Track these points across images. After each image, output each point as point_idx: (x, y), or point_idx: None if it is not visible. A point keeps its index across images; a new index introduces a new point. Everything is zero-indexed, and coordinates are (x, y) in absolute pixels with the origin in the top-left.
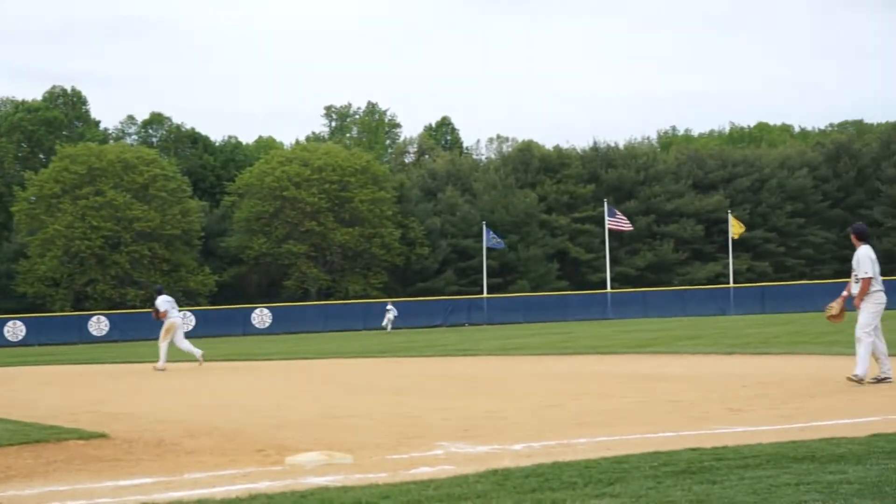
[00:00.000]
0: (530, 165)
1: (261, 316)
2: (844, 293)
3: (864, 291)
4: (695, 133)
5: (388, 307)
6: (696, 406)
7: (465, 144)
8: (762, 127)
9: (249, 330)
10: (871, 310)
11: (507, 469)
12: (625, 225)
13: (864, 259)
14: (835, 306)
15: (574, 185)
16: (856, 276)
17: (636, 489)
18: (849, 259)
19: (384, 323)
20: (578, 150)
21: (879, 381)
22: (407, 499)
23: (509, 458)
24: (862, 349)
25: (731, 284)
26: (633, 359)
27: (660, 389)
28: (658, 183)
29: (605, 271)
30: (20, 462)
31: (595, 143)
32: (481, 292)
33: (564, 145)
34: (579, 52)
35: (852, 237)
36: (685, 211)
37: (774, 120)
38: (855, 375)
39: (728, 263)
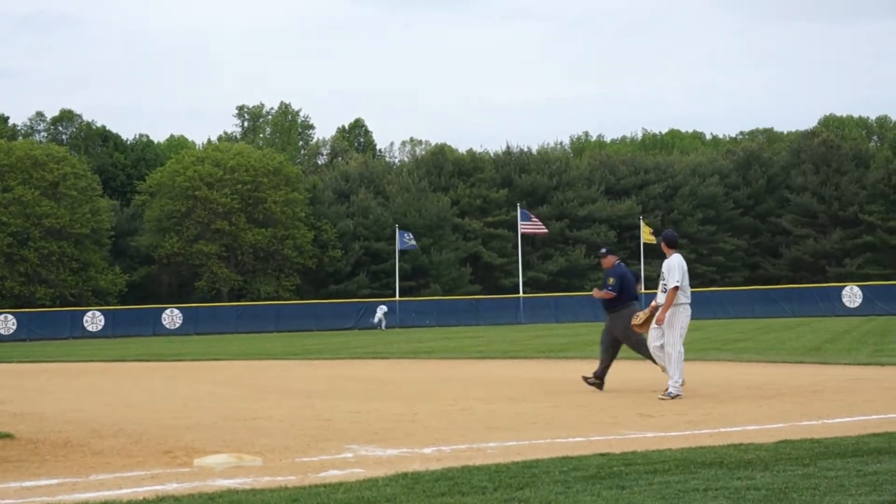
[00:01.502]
0: (444, 169)
1: (171, 316)
2: (653, 303)
3: (671, 302)
4: (607, 139)
5: (380, 307)
6: (606, 411)
7: (378, 147)
8: (674, 134)
9: (160, 330)
10: (681, 323)
11: (417, 472)
12: (540, 228)
13: (675, 268)
14: (641, 315)
15: (487, 190)
16: (664, 285)
17: (546, 494)
18: (759, 266)
19: (376, 320)
20: (492, 155)
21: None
22: (316, 502)
23: (419, 461)
24: (674, 363)
25: (643, 290)
26: (544, 363)
27: (570, 394)
28: (571, 188)
29: (517, 276)
30: None
31: (508, 147)
32: (394, 295)
33: (478, 149)
34: (493, 55)
35: (662, 245)
36: (597, 216)
37: (686, 127)
38: (668, 393)
39: (639, 269)
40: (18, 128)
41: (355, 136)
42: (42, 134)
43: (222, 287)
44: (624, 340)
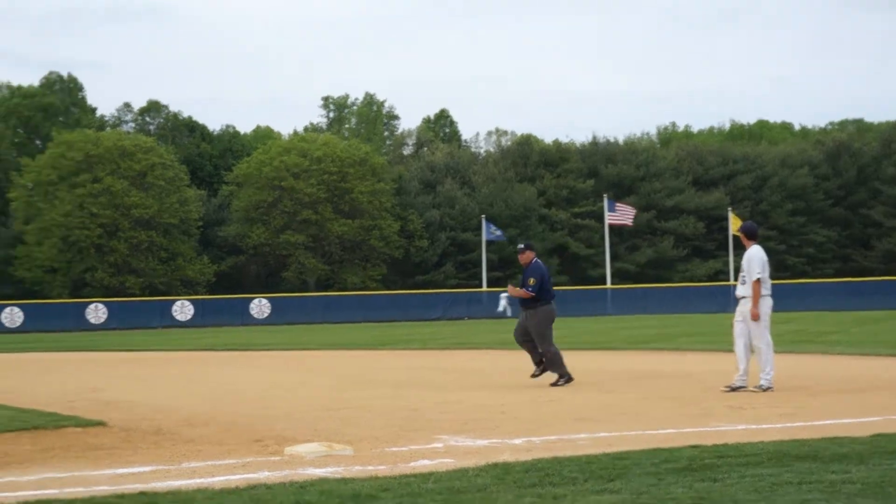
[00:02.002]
0: (529, 159)
1: (259, 306)
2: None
3: (758, 295)
4: (695, 129)
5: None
6: (696, 403)
7: (463, 137)
8: (762, 124)
9: (248, 320)
10: (765, 314)
11: (507, 463)
12: (627, 216)
13: (755, 260)
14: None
15: (574, 180)
16: (744, 277)
17: (637, 486)
18: (850, 258)
19: (501, 308)
20: (578, 145)
21: (733, 389)
22: (407, 491)
23: (509, 452)
24: (764, 356)
25: (732, 282)
26: (633, 355)
27: (660, 386)
28: (658, 179)
29: (604, 267)
30: (18, 448)
31: (595, 137)
32: (480, 286)
33: (564, 140)
34: (580, 46)
35: (742, 237)
36: (685, 207)
37: (775, 117)
38: (760, 386)
39: (728, 261)
40: (106, 119)
41: (440, 126)
42: (129, 125)
43: (309, 277)
44: (536, 338)
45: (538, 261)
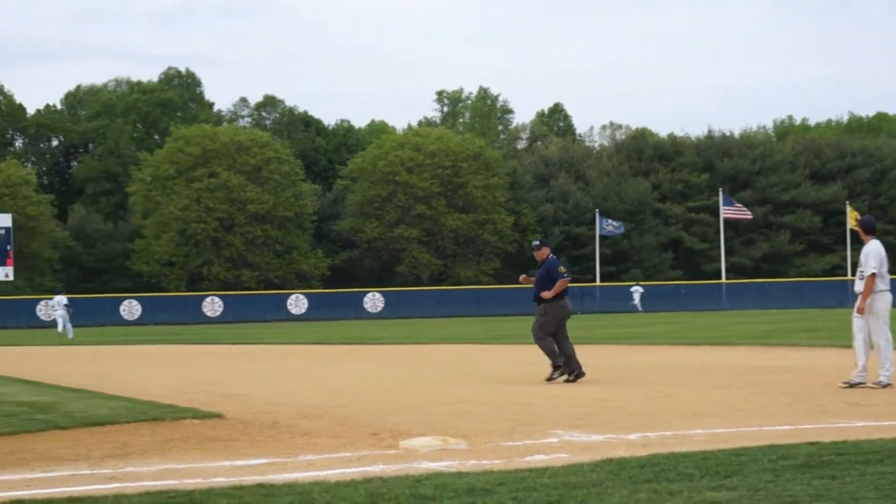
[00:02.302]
0: (644, 153)
1: (373, 300)
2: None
3: (869, 290)
4: (812, 122)
5: (634, 287)
6: (813, 399)
7: (577, 131)
8: (882, 117)
9: (362, 314)
10: (884, 309)
11: (622, 458)
12: (743, 213)
13: (871, 254)
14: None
15: (688, 174)
16: (861, 272)
17: (754, 482)
18: None
19: (635, 303)
20: (693, 139)
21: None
22: (522, 486)
23: (624, 447)
24: (883, 352)
25: (850, 277)
26: (748, 350)
27: (776, 382)
28: (774, 173)
29: (719, 261)
30: (138, 439)
31: (710, 131)
32: (594, 280)
33: (679, 133)
34: (694, 39)
35: (860, 232)
36: (802, 201)
37: (894, 110)
38: (879, 382)
39: (846, 255)
40: (223, 114)
41: (554, 120)
42: (245, 119)
43: (422, 272)
44: (537, 329)
45: (553, 256)
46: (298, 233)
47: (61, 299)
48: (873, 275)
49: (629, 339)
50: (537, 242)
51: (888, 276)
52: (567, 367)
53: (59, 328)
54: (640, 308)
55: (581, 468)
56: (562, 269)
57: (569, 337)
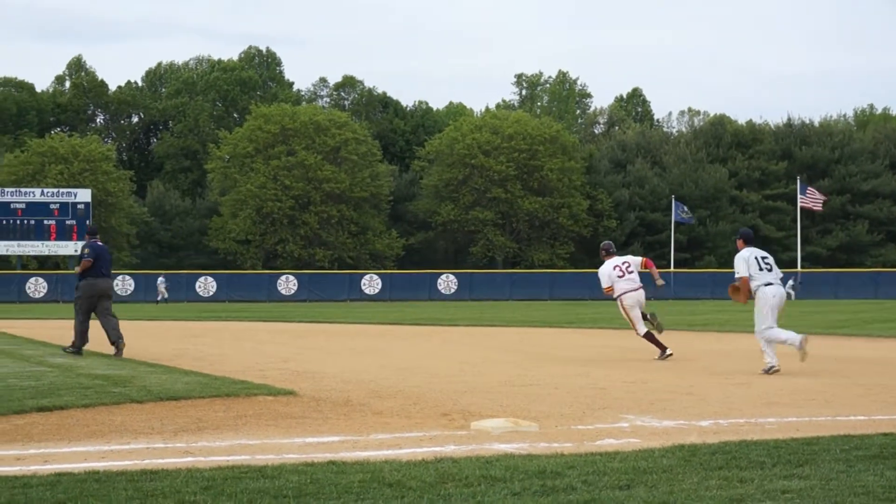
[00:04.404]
0: (722, 140)
1: (447, 282)
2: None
3: (744, 292)
4: (893, 112)
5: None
6: (889, 391)
7: (655, 117)
8: None
9: (435, 295)
10: (764, 305)
11: (693, 445)
12: (817, 202)
13: (736, 261)
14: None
15: (766, 162)
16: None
17: (826, 472)
18: None
19: (790, 292)
20: (772, 126)
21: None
22: (592, 469)
23: (696, 433)
24: (763, 343)
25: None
26: (823, 340)
27: (851, 372)
28: (853, 162)
29: (795, 250)
30: (211, 415)
31: (789, 119)
32: (668, 266)
33: (757, 120)
34: (775, 26)
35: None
36: (882, 192)
37: None
38: (768, 368)
39: None
40: (302, 93)
41: (633, 105)
42: (325, 99)
43: (497, 254)
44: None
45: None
46: (374, 213)
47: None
48: (743, 278)
49: (702, 325)
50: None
51: (763, 271)
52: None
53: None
54: (793, 297)
55: (652, 453)
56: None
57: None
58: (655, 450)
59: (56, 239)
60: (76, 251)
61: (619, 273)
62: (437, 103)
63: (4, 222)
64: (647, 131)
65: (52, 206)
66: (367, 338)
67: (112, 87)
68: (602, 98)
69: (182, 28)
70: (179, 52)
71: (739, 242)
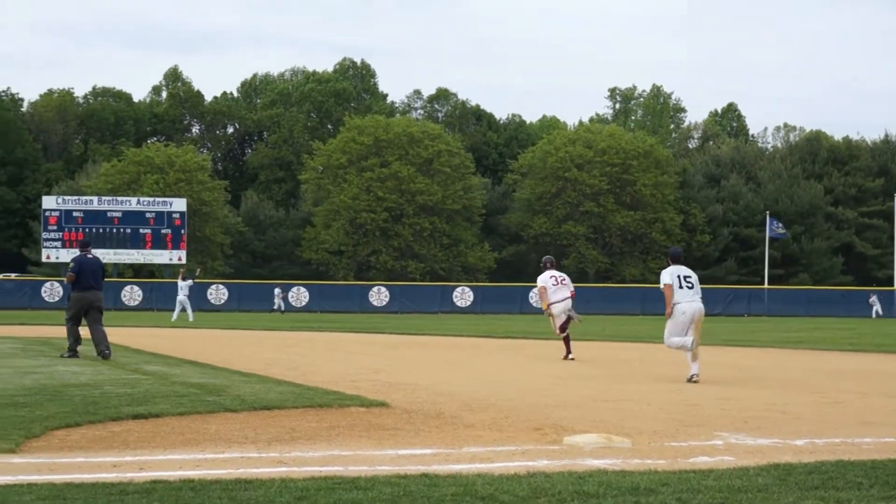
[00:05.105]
0: (818, 156)
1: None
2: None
3: (667, 304)
4: None
5: (872, 298)
6: None
7: (750, 132)
8: None
9: (527, 308)
10: (672, 321)
11: (789, 464)
12: None
13: (662, 275)
14: None
15: (862, 178)
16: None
17: None
18: None
19: (876, 308)
20: (868, 142)
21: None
22: (686, 487)
23: (791, 453)
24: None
25: None
26: None
27: None
28: None
29: (891, 268)
30: (304, 425)
31: (886, 135)
32: (762, 283)
33: (854, 136)
34: (873, 39)
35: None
36: None
37: None
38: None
39: None
40: (396, 105)
41: (728, 120)
42: (418, 111)
43: (588, 268)
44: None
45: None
46: (466, 225)
47: (188, 283)
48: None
49: (796, 343)
50: None
51: (682, 292)
52: None
53: (175, 315)
54: (880, 312)
55: (747, 472)
56: None
57: None
58: (750, 468)
59: (151, 248)
60: (171, 260)
61: (554, 283)
62: (531, 116)
63: (101, 230)
64: (741, 146)
65: (147, 215)
66: (458, 350)
67: (208, 97)
68: (696, 113)
69: (277, 39)
70: (274, 63)
71: (669, 260)
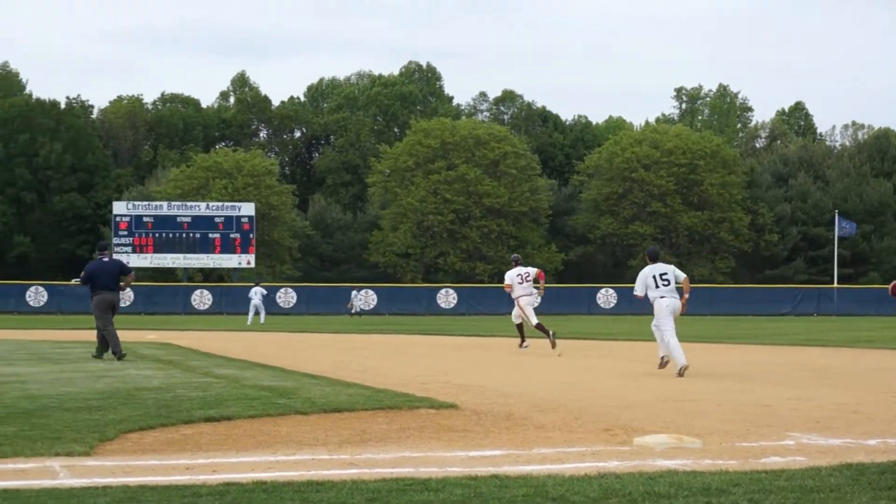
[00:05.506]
0: (887, 154)
1: (605, 295)
2: None
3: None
4: None
5: None
6: None
7: (818, 130)
8: None
9: (594, 309)
10: (657, 316)
11: (861, 464)
12: None
13: (638, 277)
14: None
15: None
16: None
17: None
18: None
19: None
20: None
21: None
22: (758, 488)
23: (863, 452)
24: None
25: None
26: None
27: None
28: None
29: None
30: (375, 427)
31: None
32: (831, 282)
33: None
34: None
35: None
36: None
37: None
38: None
39: None
40: (462, 107)
41: (795, 119)
42: (484, 113)
43: None
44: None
45: None
46: (533, 227)
47: (260, 290)
48: (636, 295)
49: (866, 342)
50: None
51: (654, 288)
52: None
53: (249, 319)
54: None
55: (819, 472)
56: None
57: None
58: (822, 468)
59: (221, 252)
60: (240, 264)
61: (520, 280)
62: (597, 117)
63: (171, 235)
64: (809, 145)
65: (216, 220)
66: (526, 351)
67: (275, 102)
68: (763, 112)
69: (343, 44)
70: (340, 67)
71: (648, 259)
